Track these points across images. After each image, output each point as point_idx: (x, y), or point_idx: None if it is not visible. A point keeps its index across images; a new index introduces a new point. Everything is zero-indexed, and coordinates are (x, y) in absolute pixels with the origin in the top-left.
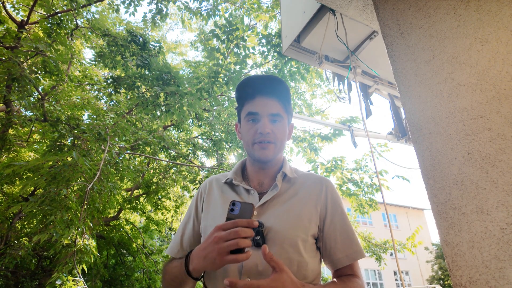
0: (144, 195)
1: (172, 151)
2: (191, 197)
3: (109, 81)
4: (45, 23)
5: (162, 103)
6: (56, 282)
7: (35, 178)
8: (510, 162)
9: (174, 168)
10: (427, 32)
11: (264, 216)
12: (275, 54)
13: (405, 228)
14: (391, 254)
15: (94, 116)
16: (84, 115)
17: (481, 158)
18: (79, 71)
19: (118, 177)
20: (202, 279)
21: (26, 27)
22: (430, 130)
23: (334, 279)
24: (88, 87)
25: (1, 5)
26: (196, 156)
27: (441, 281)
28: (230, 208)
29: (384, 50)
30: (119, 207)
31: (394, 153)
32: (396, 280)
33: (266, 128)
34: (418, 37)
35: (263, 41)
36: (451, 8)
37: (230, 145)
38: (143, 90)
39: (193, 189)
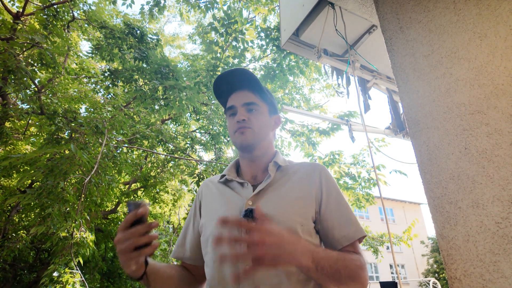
0: (142, 189)
1: (170, 145)
2: (189, 190)
3: (106, 74)
4: (41, 14)
5: (161, 97)
6: (54, 274)
7: (32, 171)
8: (506, 157)
9: (172, 162)
10: (426, 26)
11: (259, 204)
12: (274, 47)
13: (401, 222)
14: (387, 248)
15: (92, 109)
16: (81, 108)
17: (478, 153)
18: (76, 64)
19: (115, 171)
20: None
21: (21, 19)
22: (427, 125)
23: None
24: (85, 80)
25: None
26: (194, 150)
27: (436, 274)
28: (128, 210)
29: (383, 44)
30: (117, 200)
31: (392, 147)
32: (392, 273)
33: (240, 116)
34: (417, 31)
35: (262, 34)
36: (450, 3)
37: (228, 139)
38: (141, 83)
39: (191, 182)
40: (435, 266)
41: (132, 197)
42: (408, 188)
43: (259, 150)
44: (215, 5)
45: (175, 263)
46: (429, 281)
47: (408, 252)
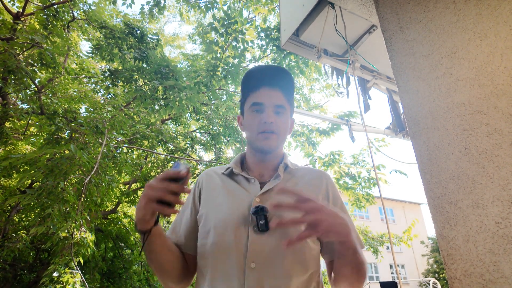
0: (142, 189)
1: (170, 145)
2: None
3: (106, 74)
4: (41, 14)
5: (161, 97)
6: (54, 274)
7: (32, 171)
8: (507, 157)
9: (172, 162)
10: (426, 26)
11: (267, 203)
12: (274, 47)
13: (401, 222)
14: (387, 248)
15: (92, 109)
16: (81, 108)
17: (478, 153)
18: (76, 64)
19: (116, 171)
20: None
21: (21, 19)
22: (427, 125)
23: None
24: (85, 80)
25: None
26: (194, 150)
27: (436, 275)
28: (173, 166)
29: (383, 44)
30: (117, 200)
31: (392, 147)
32: (392, 273)
33: (270, 118)
34: (417, 31)
35: (262, 34)
36: (450, 2)
37: (228, 139)
38: (141, 83)
39: (191, 183)
40: (435, 266)
41: (132, 197)
42: (408, 188)
43: (275, 152)
44: (215, 5)
45: None
46: (429, 281)
47: (408, 252)
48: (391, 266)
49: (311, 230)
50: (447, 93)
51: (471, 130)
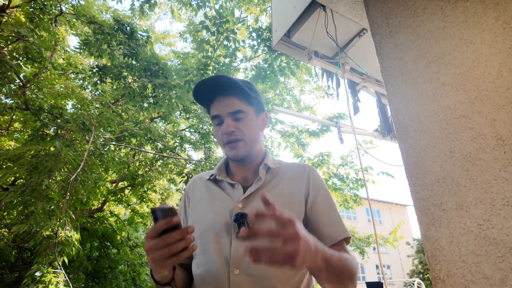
0: (129, 187)
1: (158, 143)
2: (177, 190)
3: (94, 70)
4: (28, 7)
5: (150, 95)
6: (36, 274)
7: (16, 168)
8: (489, 161)
9: (160, 161)
10: (414, 31)
11: (250, 207)
12: (265, 48)
13: (388, 223)
14: (374, 249)
15: (79, 106)
16: (68, 104)
17: (462, 156)
18: (63, 59)
19: (102, 169)
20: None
21: (7, 11)
22: (414, 128)
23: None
24: (72, 75)
25: None
26: (183, 149)
27: (421, 275)
28: (154, 217)
29: (372, 47)
30: (103, 199)
31: (380, 150)
32: (378, 273)
33: (229, 128)
34: (406, 36)
35: (254, 34)
36: (438, 9)
37: None
38: (130, 81)
39: (180, 181)
40: (420, 266)
41: (119, 195)
42: (395, 190)
43: (250, 155)
44: (207, 3)
45: None
46: (414, 281)
47: (394, 253)
48: (377, 267)
49: (287, 261)
50: (434, 97)
51: (456, 134)
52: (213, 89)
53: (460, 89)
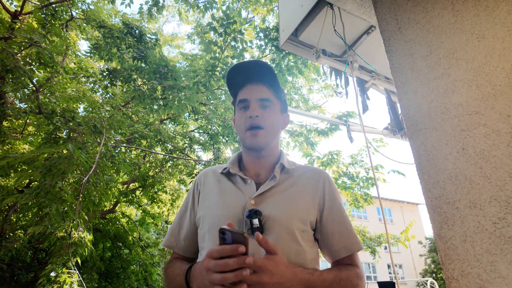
0: (140, 189)
1: (168, 145)
2: (187, 190)
3: (105, 74)
4: (39, 13)
5: (159, 97)
6: (51, 274)
7: (30, 171)
8: (504, 158)
9: (170, 162)
10: (424, 27)
11: (262, 205)
12: (273, 48)
13: (399, 222)
14: (385, 248)
15: (90, 109)
16: (79, 107)
17: (476, 153)
18: (74, 63)
19: (114, 170)
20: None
21: (20, 18)
22: (425, 125)
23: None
24: (83, 79)
25: None
26: (192, 149)
27: (434, 274)
28: (221, 237)
29: (381, 45)
30: (115, 200)
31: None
32: (389, 273)
33: (254, 112)
34: (416, 32)
35: (261, 34)
36: (448, 3)
37: (227, 139)
38: (140, 83)
39: (190, 182)
40: (432, 266)
41: (130, 196)
42: (406, 188)
43: (267, 150)
44: (214, 5)
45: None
46: (427, 281)
47: (406, 252)
48: (389, 266)
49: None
50: (445, 94)
51: (469, 131)
52: (247, 74)
53: (472, 85)
